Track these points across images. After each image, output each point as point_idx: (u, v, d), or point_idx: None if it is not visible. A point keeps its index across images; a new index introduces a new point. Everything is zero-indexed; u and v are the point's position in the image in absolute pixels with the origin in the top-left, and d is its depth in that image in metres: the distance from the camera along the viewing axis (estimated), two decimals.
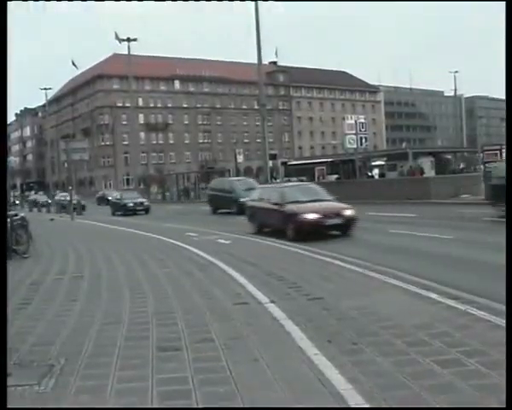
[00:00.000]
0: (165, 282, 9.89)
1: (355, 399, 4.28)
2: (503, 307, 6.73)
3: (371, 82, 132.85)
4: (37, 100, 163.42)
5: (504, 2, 5.98)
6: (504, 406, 3.64)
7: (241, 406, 4.08)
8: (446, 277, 9.38)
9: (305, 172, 56.46)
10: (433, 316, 6.64)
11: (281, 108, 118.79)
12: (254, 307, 7.63)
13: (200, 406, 4.08)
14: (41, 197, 71.37)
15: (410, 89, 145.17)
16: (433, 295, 7.72)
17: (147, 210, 38.34)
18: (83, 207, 42.16)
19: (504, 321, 6.18)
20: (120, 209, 38.88)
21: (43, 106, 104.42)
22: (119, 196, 42.01)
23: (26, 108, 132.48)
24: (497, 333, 5.84)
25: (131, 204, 38.74)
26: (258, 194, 21.16)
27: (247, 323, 6.71)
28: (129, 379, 4.98)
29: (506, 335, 4.67)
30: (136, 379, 4.97)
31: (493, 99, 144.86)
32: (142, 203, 39.59)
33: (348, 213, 17.17)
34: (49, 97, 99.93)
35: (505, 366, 4.18)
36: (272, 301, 7.79)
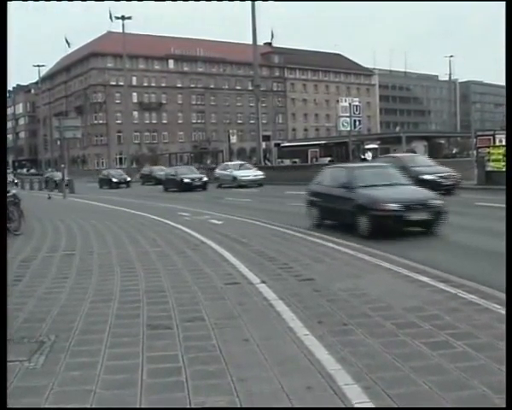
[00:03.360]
0: (157, 260, 9.89)
1: (344, 379, 4.31)
2: (493, 292, 6.80)
3: (366, 65, 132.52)
4: (31, 77, 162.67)
5: None
6: (505, 406, 3.66)
7: (240, 405, 4.06)
8: (437, 260, 9.42)
9: (298, 153, 56.52)
10: (423, 299, 6.67)
11: (275, 89, 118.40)
12: (245, 287, 7.65)
13: (194, 405, 4.04)
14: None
15: (405, 73, 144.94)
16: (424, 279, 7.76)
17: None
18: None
19: (493, 304, 6.24)
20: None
21: (36, 83, 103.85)
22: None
23: (18, 85, 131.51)
24: (485, 316, 5.89)
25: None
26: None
27: (238, 303, 6.73)
28: (119, 357, 5.00)
29: (506, 334, 4.68)
30: (127, 357, 4.99)
31: (488, 84, 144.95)
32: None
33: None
34: (42, 74, 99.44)
35: (505, 366, 4.18)
36: (263, 282, 7.82)
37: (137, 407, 3.79)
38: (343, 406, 3.90)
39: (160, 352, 5.09)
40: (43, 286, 8.08)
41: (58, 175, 48.74)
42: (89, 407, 3.77)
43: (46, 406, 4.04)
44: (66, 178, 43.94)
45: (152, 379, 4.45)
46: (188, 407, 3.84)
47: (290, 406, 3.93)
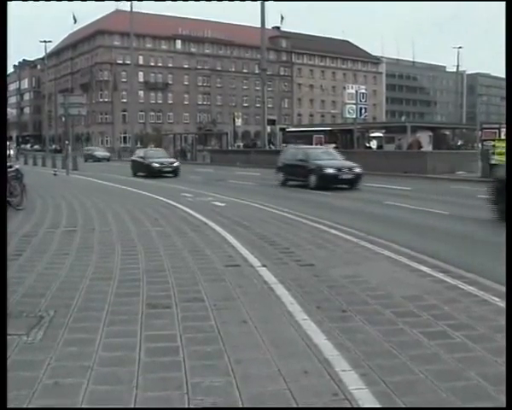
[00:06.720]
0: (158, 240, 9.90)
1: (341, 365, 4.32)
2: (492, 284, 6.80)
3: (374, 53, 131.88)
4: (37, 52, 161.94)
5: None
6: (505, 406, 3.65)
7: (236, 386, 4.08)
8: (438, 251, 9.41)
9: (303, 139, 56.30)
10: (423, 288, 6.66)
11: (282, 73, 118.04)
12: (246, 269, 7.65)
13: (191, 406, 4.02)
14: None
15: (413, 62, 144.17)
16: (424, 268, 7.75)
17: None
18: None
19: (491, 296, 6.24)
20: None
21: (42, 59, 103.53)
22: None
23: (24, 60, 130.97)
24: (484, 308, 5.88)
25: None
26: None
27: (238, 285, 6.73)
28: (117, 334, 5.01)
29: (506, 333, 4.67)
30: (125, 335, 5.00)
31: (495, 77, 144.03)
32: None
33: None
34: (48, 50, 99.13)
35: (505, 367, 4.17)
36: (264, 266, 7.82)
37: (135, 406, 3.77)
38: (339, 391, 3.90)
39: (158, 331, 5.10)
40: (43, 261, 8.10)
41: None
42: (85, 406, 3.76)
43: (44, 379, 4.05)
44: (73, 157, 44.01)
45: (149, 358, 4.46)
46: (187, 406, 3.81)
47: (286, 387, 3.94)
